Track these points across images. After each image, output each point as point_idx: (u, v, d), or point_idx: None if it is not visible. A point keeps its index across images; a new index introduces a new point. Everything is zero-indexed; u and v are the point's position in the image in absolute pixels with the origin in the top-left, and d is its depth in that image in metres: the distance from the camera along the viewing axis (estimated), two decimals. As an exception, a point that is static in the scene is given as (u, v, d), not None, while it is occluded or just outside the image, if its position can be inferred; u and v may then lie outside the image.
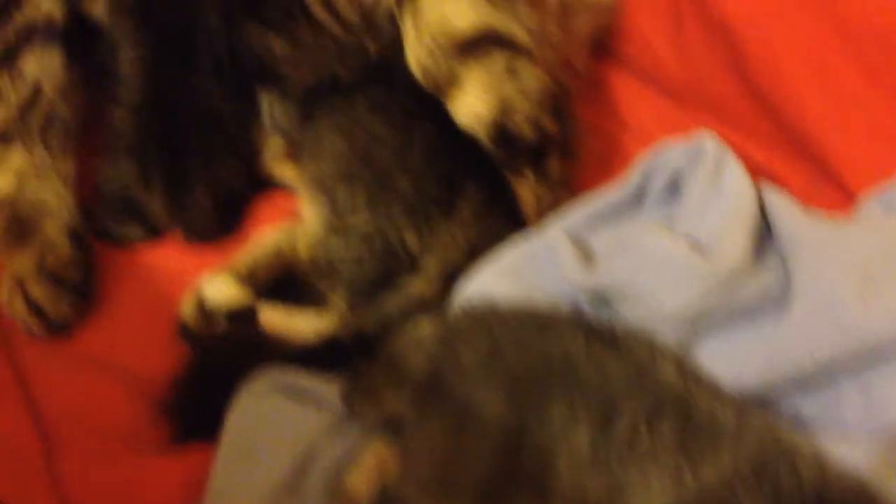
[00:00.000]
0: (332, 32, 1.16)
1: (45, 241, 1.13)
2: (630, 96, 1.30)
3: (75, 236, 1.15)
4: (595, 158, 1.20)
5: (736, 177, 0.98)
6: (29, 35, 1.17)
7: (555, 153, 1.13)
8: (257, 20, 1.16)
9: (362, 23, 1.16)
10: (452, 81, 1.10)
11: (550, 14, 1.19)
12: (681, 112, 1.25)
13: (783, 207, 0.97)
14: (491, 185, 1.11)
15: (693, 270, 0.89)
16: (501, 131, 1.10)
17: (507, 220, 1.09)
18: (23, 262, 1.12)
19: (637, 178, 1.05)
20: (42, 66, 1.17)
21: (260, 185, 1.27)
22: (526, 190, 1.12)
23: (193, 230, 1.21)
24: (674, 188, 1.03)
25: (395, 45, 1.15)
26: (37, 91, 1.17)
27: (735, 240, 0.91)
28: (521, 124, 1.10)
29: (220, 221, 1.22)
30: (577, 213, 1.06)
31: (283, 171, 1.25)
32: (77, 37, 1.22)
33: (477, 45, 1.10)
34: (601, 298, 0.96)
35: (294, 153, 1.24)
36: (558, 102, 1.13)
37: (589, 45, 1.30)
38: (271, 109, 1.23)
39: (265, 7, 1.16)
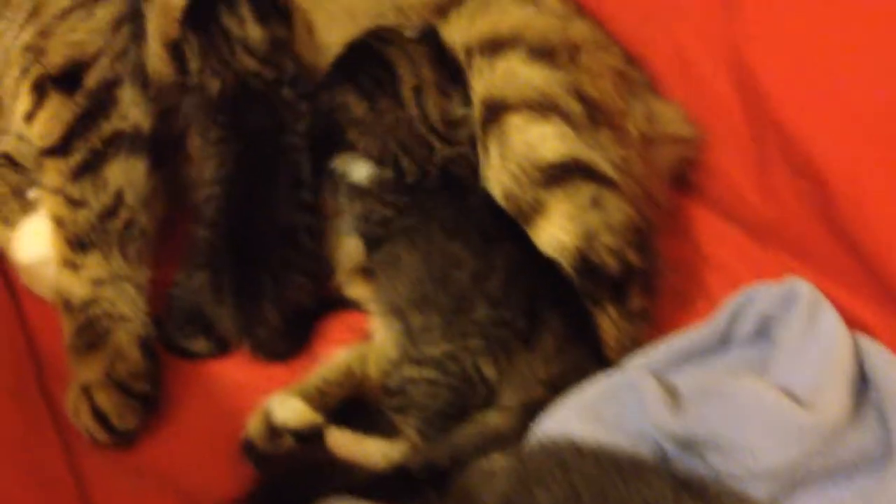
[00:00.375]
0: (410, 119, 1.17)
1: (115, 349, 1.12)
2: (712, 232, 1.28)
3: (146, 346, 1.14)
4: (676, 294, 1.18)
5: (832, 325, 0.95)
6: (115, 143, 1.19)
7: (637, 287, 1.11)
8: (350, 83, 1.17)
9: (441, 125, 1.17)
10: (537, 209, 1.10)
11: (633, 146, 1.19)
12: (764, 252, 1.23)
13: (880, 358, 0.94)
14: (572, 318, 1.08)
15: (793, 425, 0.85)
16: (584, 261, 1.09)
17: (589, 354, 1.07)
18: (92, 369, 1.11)
19: (724, 320, 1.03)
20: (126, 175, 1.18)
21: (331, 303, 1.25)
22: (607, 323, 1.10)
23: (261, 346, 1.19)
24: (763, 332, 1.01)
25: (469, 164, 1.17)
26: (118, 199, 1.17)
27: (835, 392, 0.88)
28: (605, 256, 1.09)
29: (289, 339, 1.20)
30: (660, 351, 1.03)
31: (356, 290, 1.24)
32: (161, 147, 1.23)
33: (563, 174, 1.10)
34: (688, 446, 0.92)
35: (368, 272, 1.22)
36: (642, 236, 1.11)
37: (671, 178, 1.29)
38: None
39: (358, 71, 1.17)
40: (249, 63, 1.21)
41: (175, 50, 1.24)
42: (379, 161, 1.16)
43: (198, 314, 1.17)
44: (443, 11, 1.25)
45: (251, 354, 1.19)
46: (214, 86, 1.21)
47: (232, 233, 1.16)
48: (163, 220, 1.22)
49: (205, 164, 1.20)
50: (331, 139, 1.17)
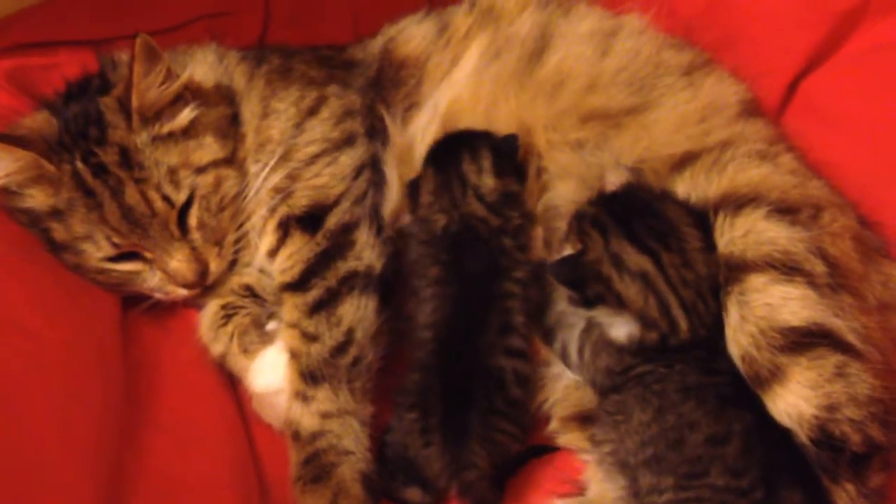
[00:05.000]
0: (698, 278, 1.14)
1: (339, 484, 1.14)
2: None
3: (368, 483, 1.15)
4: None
5: None
6: (350, 283, 1.24)
7: (878, 465, 1.05)
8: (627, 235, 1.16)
9: (695, 295, 1.14)
10: (775, 374, 1.06)
11: (872, 313, 1.14)
12: None
13: None
14: (809, 493, 1.03)
15: None
16: (824, 434, 1.04)
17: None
18: (316, 502, 1.12)
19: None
20: (357, 313, 1.23)
21: (542, 451, 1.25)
22: (844, 501, 1.04)
23: (469, 491, 1.17)
24: None
25: (706, 325, 1.14)
26: (349, 336, 1.22)
27: None
28: (847, 429, 1.03)
29: (497, 484, 1.19)
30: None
31: (571, 439, 1.22)
32: (387, 287, 1.28)
33: (805, 340, 1.06)
34: None
35: (585, 420, 1.21)
36: (885, 410, 1.06)
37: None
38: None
39: (634, 223, 1.16)
40: (477, 208, 1.25)
41: (411, 188, 1.29)
42: (648, 320, 1.13)
43: (407, 462, 1.17)
44: (679, 168, 1.25)
45: (459, 501, 1.17)
46: (440, 221, 1.25)
47: (442, 376, 1.17)
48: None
49: (422, 305, 1.23)
50: (584, 287, 1.16)
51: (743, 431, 1.04)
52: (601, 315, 1.15)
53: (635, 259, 1.13)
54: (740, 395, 1.08)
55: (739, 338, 1.09)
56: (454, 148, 1.29)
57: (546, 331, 1.25)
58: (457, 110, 1.35)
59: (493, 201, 1.26)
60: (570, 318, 1.22)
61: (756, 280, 1.10)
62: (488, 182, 1.26)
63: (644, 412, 1.09)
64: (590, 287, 1.13)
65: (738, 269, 1.11)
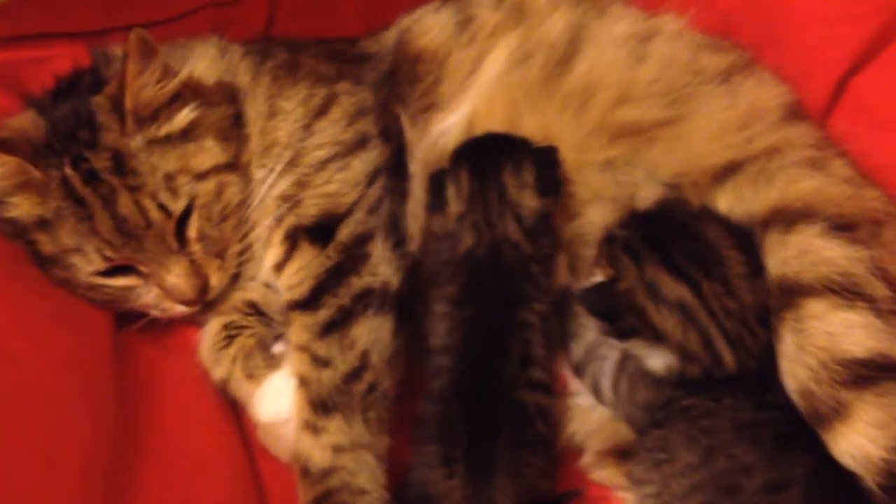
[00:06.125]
0: (743, 307, 1.04)
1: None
2: None
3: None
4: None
5: None
6: (364, 301, 1.14)
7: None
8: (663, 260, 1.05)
9: (740, 326, 1.04)
10: (838, 411, 0.96)
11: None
12: None
13: None
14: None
15: None
16: (894, 479, 0.93)
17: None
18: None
19: None
20: (372, 335, 1.13)
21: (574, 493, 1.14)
22: (914, 551, 0.94)
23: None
24: None
25: (754, 356, 1.04)
26: (364, 360, 1.12)
27: None
28: (919, 474, 0.93)
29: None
30: None
31: (607, 474, 1.13)
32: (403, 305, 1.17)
33: (871, 373, 0.96)
34: None
35: (622, 454, 1.12)
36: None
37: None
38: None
39: (670, 247, 1.06)
40: (513, 231, 1.13)
41: (434, 182, 1.17)
42: (688, 354, 1.03)
43: (427, 499, 1.06)
44: (721, 179, 1.15)
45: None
46: (467, 240, 1.14)
47: (465, 406, 1.07)
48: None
49: (436, 325, 1.13)
50: (617, 319, 1.05)
51: (804, 477, 0.94)
52: (636, 347, 1.05)
53: (672, 288, 1.02)
54: (798, 433, 0.98)
55: (797, 370, 0.98)
56: (494, 152, 1.17)
57: (575, 364, 1.15)
58: (475, 120, 1.24)
59: (531, 226, 1.14)
60: (602, 349, 1.12)
61: (814, 306, 1.00)
62: (530, 202, 1.14)
63: (691, 452, 0.99)
64: (623, 319, 1.03)
65: (792, 293, 1.01)
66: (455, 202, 1.15)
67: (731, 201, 1.13)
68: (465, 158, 1.17)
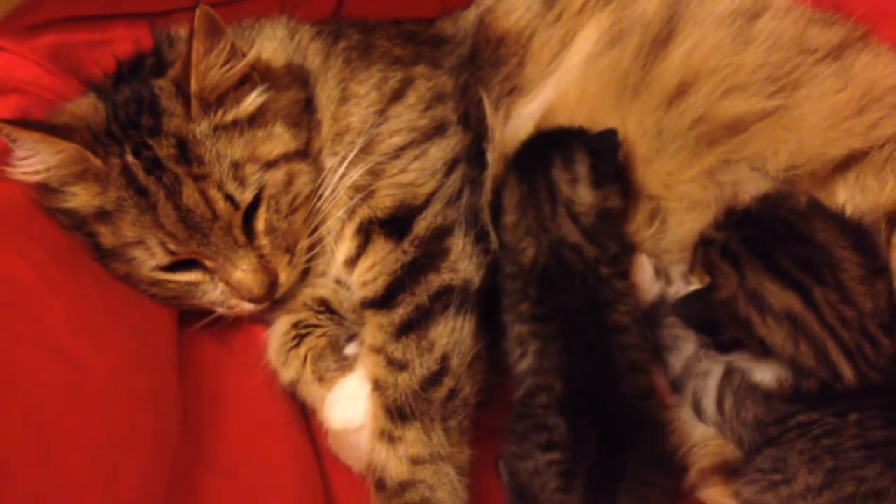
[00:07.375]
0: (860, 315, 0.93)
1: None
2: None
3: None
4: None
5: None
6: (443, 300, 1.06)
7: None
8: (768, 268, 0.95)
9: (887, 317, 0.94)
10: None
11: None
12: None
13: None
14: None
15: None
16: None
17: None
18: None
19: None
20: (452, 337, 1.04)
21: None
22: None
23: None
24: None
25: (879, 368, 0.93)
26: (443, 364, 1.04)
27: None
28: None
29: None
30: None
31: (714, 493, 1.04)
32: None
33: None
34: None
35: (730, 472, 1.02)
36: None
37: None
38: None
39: (777, 252, 0.95)
40: (570, 231, 1.06)
41: (493, 200, 1.11)
42: (802, 369, 0.92)
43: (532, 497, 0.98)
44: (843, 169, 1.04)
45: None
46: (528, 252, 1.07)
47: (596, 423, 0.98)
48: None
49: (516, 349, 1.05)
50: (718, 331, 0.95)
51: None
52: (741, 360, 0.95)
53: (779, 296, 0.92)
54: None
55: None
56: (542, 149, 1.09)
57: (673, 380, 1.06)
58: (553, 110, 1.15)
59: (590, 224, 1.07)
60: (703, 363, 1.03)
61: None
62: (584, 195, 1.07)
63: (813, 474, 0.90)
64: (725, 331, 0.92)
65: None
66: (509, 213, 1.09)
67: (851, 192, 1.04)
68: (512, 164, 1.11)
